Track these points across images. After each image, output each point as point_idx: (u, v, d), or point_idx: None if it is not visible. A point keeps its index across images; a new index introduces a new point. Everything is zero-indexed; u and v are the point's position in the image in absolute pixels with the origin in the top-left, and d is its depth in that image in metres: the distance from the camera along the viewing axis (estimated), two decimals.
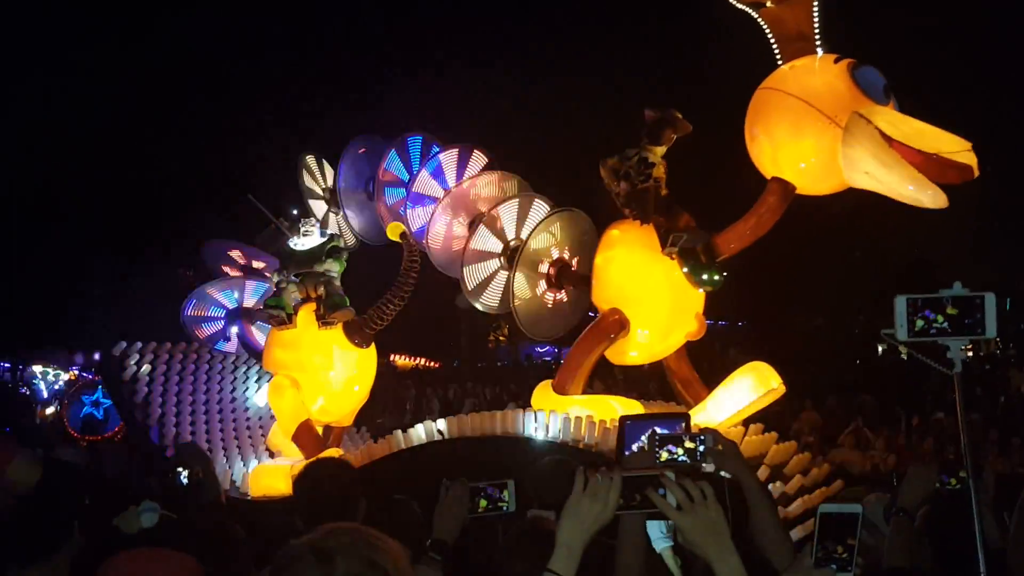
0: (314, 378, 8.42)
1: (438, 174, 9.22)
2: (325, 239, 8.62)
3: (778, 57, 6.79)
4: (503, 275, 8.50)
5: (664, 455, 2.28)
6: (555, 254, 8.10)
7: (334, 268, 8.52)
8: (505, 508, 2.66)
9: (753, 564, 2.08)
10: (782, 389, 7.34)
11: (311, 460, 3.84)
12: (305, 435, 8.21)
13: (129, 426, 9.64)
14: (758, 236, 6.97)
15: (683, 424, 2.64)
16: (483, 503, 2.66)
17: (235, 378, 10.45)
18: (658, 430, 2.39)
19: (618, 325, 7.12)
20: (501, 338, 25.75)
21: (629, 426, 2.67)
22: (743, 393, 7.18)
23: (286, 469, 8.02)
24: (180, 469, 5.05)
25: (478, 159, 9.29)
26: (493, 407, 17.03)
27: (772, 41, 6.81)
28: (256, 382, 10.61)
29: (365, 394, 8.99)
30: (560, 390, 7.27)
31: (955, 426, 13.01)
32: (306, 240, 8.58)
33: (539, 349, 27.24)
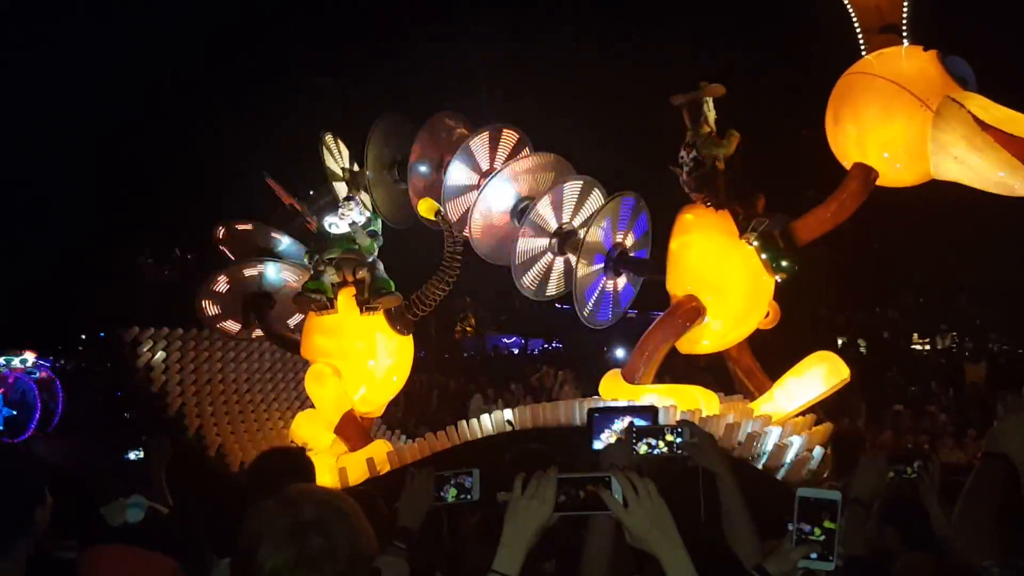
0: (356, 366, 7.97)
1: (469, 160, 8.88)
2: (363, 221, 8.18)
3: (863, 47, 6.72)
4: (549, 260, 8.24)
5: (643, 448, 2.31)
6: (613, 240, 7.85)
7: (362, 242, 8.08)
8: (470, 497, 2.66)
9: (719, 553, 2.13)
10: (848, 378, 7.32)
11: (266, 451, 3.61)
12: (349, 426, 7.78)
13: (143, 417, 8.97)
14: (838, 223, 6.88)
15: (652, 419, 2.63)
16: (453, 492, 2.66)
17: (247, 367, 9.86)
18: (636, 423, 2.43)
19: (695, 312, 6.94)
20: (468, 329, 25.40)
21: (597, 418, 2.64)
22: (816, 383, 7.12)
23: (330, 462, 7.56)
24: (130, 450, 4.90)
25: (509, 138, 8.98)
26: (459, 398, 16.82)
27: (858, 30, 6.73)
28: (269, 370, 10.06)
29: (401, 384, 8.59)
30: (631, 379, 7.03)
31: (914, 418, 13.43)
32: (343, 222, 8.11)
33: (506, 340, 26.96)
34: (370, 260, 8.08)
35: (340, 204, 8.20)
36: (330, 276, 8.05)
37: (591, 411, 2.70)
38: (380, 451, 7.51)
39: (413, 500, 2.65)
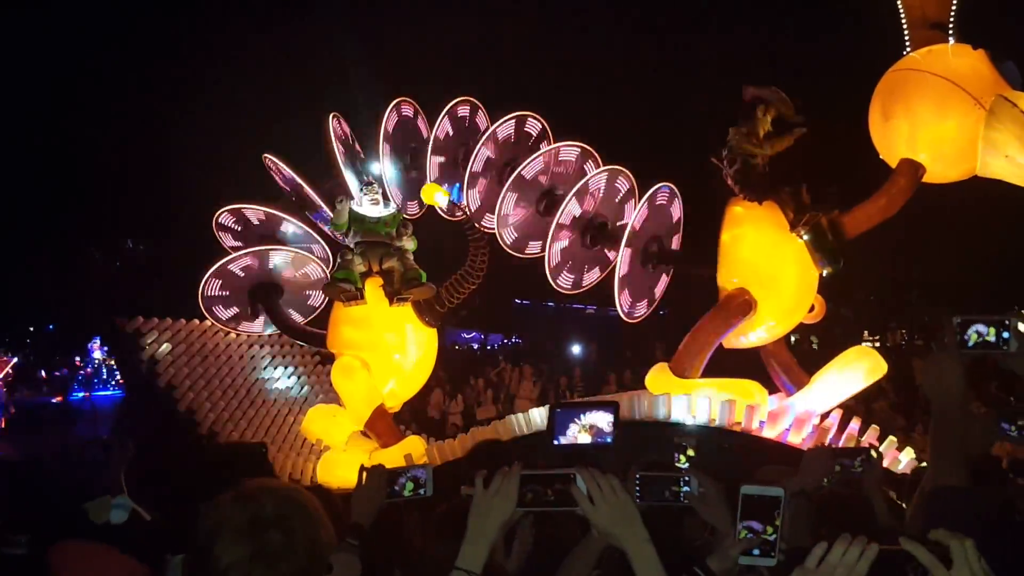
0: (385, 359, 7.68)
1: (491, 150, 8.69)
2: (394, 211, 7.89)
3: (907, 43, 6.79)
4: (581, 254, 8.09)
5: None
6: (649, 232, 7.75)
7: (409, 245, 7.86)
8: (424, 492, 2.67)
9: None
10: (886, 372, 7.42)
11: (220, 444, 3.50)
12: (380, 421, 7.48)
13: (146, 413, 8.42)
14: (886, 217, 6.93)
15: (614, 414, 2.64)
16: (409, 486, 2.66)
17: (252, 358, 9.41)
18: (645, 472, 2.34)
19: (747, 306, 6.90)
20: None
21: (559, 413, 2.66)
22: (858, 378, 7.15)
23: (362, 459, 7.24)
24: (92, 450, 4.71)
25: (532, 127, 8.84)
26: (418, 393, 16.51)
27: (904, 25, 6.80)
28: (271, 361, 9.63)
29: (426, 378, 8.33)
30: (680, 373, 6.95)
31: (863, 412, 13.83)
32: (372, 208, 7.80)
33: (465, 335, 26.68)
34: (396, 249, 7.80)
35: (362, 188, 7.90)
36: (358, 265, 7.75)
37: (553, 406, 2.61)
38: (417, 447, 7.24)
39: (365, 496, 2.61)
